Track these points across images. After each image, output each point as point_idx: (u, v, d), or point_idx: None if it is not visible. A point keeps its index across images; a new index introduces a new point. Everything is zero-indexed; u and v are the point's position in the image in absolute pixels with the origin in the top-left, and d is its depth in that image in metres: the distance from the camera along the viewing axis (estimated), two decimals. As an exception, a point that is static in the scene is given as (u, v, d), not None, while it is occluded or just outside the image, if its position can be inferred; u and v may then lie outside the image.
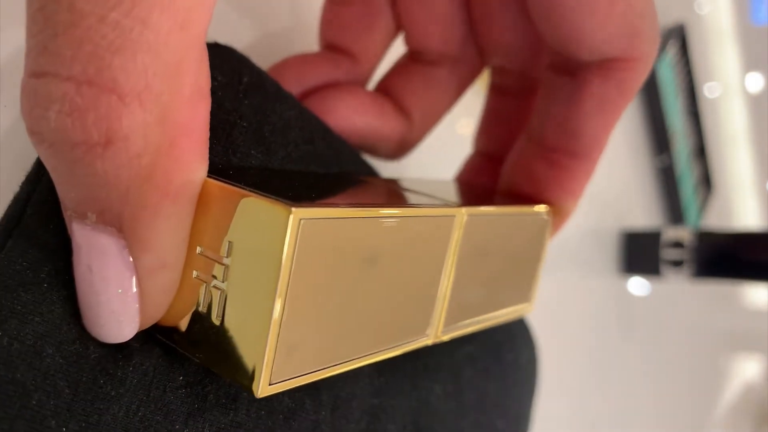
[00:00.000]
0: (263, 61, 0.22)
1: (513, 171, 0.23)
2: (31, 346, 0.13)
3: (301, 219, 0.12)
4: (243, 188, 0.13)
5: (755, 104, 0.83)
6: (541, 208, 0.22)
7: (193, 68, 0.12)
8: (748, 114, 0.82)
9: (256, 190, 0.13)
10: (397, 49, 0.24)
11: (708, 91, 0.74)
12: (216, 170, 0.14)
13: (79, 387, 0.13)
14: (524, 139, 0.23)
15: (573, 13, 0.18)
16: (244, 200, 0.13)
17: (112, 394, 0.14)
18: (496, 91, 0.25)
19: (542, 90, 0.22)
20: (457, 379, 0.22)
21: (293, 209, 0.12)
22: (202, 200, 0.13)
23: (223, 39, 0.18)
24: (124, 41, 0.11)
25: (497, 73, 0.24)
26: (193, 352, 0.14)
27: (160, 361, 0.15)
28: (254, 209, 0.13)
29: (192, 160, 0.13)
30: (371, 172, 0.22)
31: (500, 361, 0.24)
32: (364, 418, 0.19)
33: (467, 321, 0.20)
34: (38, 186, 0.15)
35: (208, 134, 0.13)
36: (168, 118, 0.12)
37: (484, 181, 0.25)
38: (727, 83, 0.78)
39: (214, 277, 0.13)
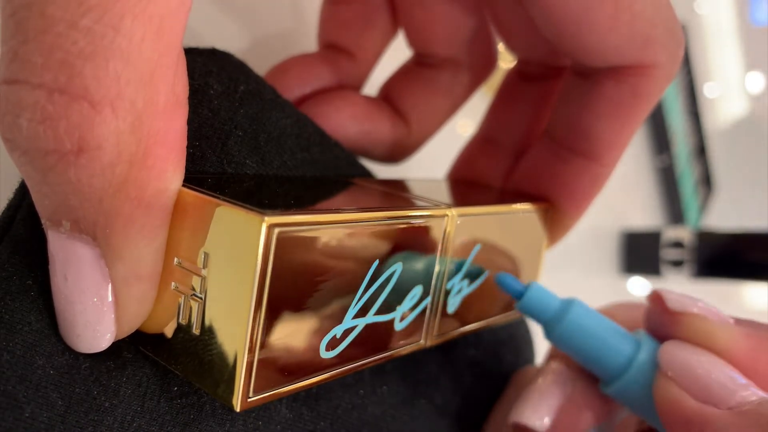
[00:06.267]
0: (263, 62, 0.22)
1: (525, 166, 0.23)
2: (21, 357, 0.13)
3: (274, 227, 0.12)
4: (217, 197, 0.13)
5: (755, 104, 0.83)
6: (537, 205, 0.21)
7: (169, 76, 0.12)
8: (748, 114, 0.82)
9: (230, 199, 0.13)
10: (403, 52, 0.24)
11: (708, 91, 0.74)
12: (193, 179, 0.14)
13: (72, 398, 0.13)
14: (542, 136, 0.23)
15: (574, 27, 0.18)
16: (218, 209, 0.13)
17: (106, 405, 0.14)
18: (518, 76, 0.24)
19: (562, 88, 0.22)
20: (458, 386, 0.22)
21: (266, 217, 0.12)
22: (178, 210, 0.13)
23: (222, 40, 0.17)
24: (95, 48, 0.11)
25: (521, 61, 0.24)
26: (173, 364, 0.14)
27: (153, 371, 0.15)
28: (228, 218, 0.13)
29: (166, 169, 0.13)
30: (366, 176, 0.22)
31: (500, 364, 0.24)
32: (365, 428, 0.18)
33: (464, 323, 0.20)
34: (29, 193, 0.14)
35: (184, 143, 0.13)
36: (142, 127, 0.12)
37: (480, 175, 0.25)
38: (727, 83, 0.78)
39: (192, 288, 0.13)
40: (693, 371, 0.17)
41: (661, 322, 0.18)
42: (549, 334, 0.19)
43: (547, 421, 0.19)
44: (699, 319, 0.17)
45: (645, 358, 0.18)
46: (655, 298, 0.18)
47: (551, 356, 0.21)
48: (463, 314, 0.19)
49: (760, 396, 0.16)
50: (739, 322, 0.18)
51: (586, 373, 0.20)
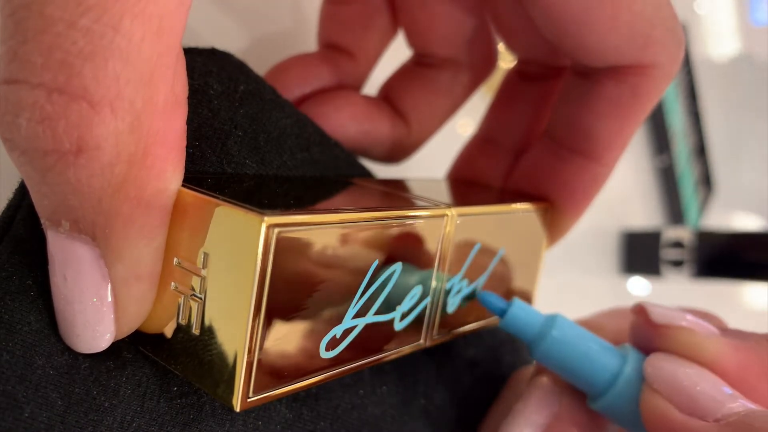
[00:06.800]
0: (263, 62, 0.22)
1: (525, 165, 0.23)
2: (20, 357, 0.13)
3: (274, 227, 0.12)
4: (217, 197, 0.13)
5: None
6: (536, 205, 0.21)
7: (168, 75, 0.12)
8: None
9: (229, 199, 0.13)
10: (403, 52, 0.24)
11: (708, 90, 0.73)
12: (193, 179, 0.14)
13: (71, 398, 0.13)
14: (542, 135, 0.23)
15: (574, 27, 0.18)
16: (217, 209, 0.13)
17: (106, 405, 0.14)
18: (518, 75, 0.24)
19: (562, 87, 0.22)
20: (458, 387, 0.22)
21: (265, 217, 0.12)
22: (177, 210, 0.13)
23: (222, 40, 0.17)
24: (94, 48, 0.11)
25: (521, 61, 0.24)
26: (173, 364, 0.14)
27: (153, 371, 0.15)
28: (228, 218, 0.13)
29: (166, 169, 0.13)
30: (366, 176, 0.22)
31: (500, 364, 0.24)
32: (365, 428, 0.18)
33: (463, 322, 0.20)
34: (29, 193, 0.14)
35: (184, 143, 0.13)
36: (141, 127, 0.12)
37: (480, 175, 0.25)
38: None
39: (192, 288, 0.13)
40: (679, 383, 0.16)
41: (647, 336, 0.18)
42: (533, 351, 0.19)
43: None
44: (685, 331, 0.17)
45: (631, 372, 0.18)
46: (639, 311, 0.18)
47: (538, 371, 0.20)
48: (462, 314, 0.19)
49: (748, 407, 0.16)
50: (725, 333, 0.17)
51: (574, 389, 0.19)
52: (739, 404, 0.16)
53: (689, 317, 0.18)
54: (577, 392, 0.19)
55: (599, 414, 0.19)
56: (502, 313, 0.19)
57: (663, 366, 0.17)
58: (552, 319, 0.18)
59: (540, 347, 0.18)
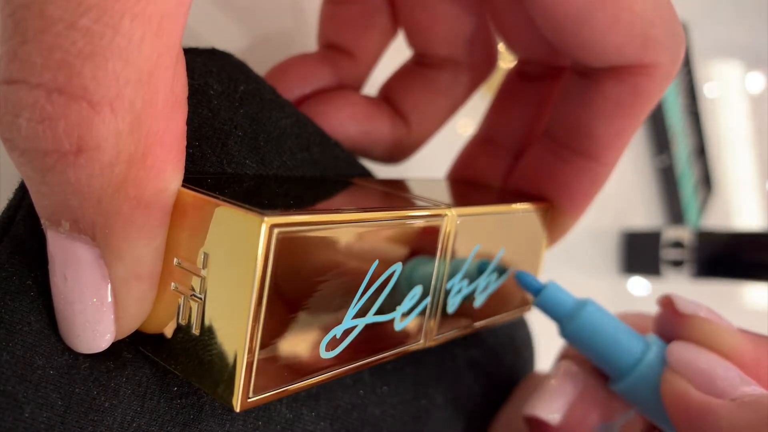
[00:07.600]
0: (263, 62, 0.22)
1: (525, 165, 0.23)
2: (21, 357, 0.13)
3: (274, 227, 0.12)
4: (217, 197, 0.13)
5: (755, 104, 0.83)
6: (537, 205, 0.21)
7: (168, 76, 0.12)
8: (748, 114, 0.81)
9: (229, 199, 0.13)
10: (403, 52, 0.24)
11: (708, 91, 0.73)
12: (193, 179, 0.14)
13: (72, 398, 0.13)
14: (542, 135, 0.23)
15: (574, 27, 0.18)
16: (217, 209, 0.13)
17: (106, 405, 0.14)
18: (518, 75, 0.24)
19: (562, 87, 0.22)
20: (458, 387, 0.22)
21: (266, 218, 0.12)
22: (177, 210, 0.13)
23: (222, 40, 0.17)
24: (94, 48, 0.11)
25: (521, 61, 0.24)
26: (173, 364, 0.14)
27: (153, 371, 0.15)
28: (228, 218, 0.13)
29: (166, 170, 0.13)
30: (366, 176, 0.22)
31: (501, 365, 0.24)
32: (365, 428, 0.18)
33: (464, 323, 0.20)
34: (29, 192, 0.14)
35: (184, 143, 0.13)
36: (141, 127, 0.12)
37: (480, 175, 0.25)
38: (727, 83, 0.78)
39: (192, 288, 0.13)
40: (698, 365, 0.17)
41: (671, 325, 0.19)
42: (563, 330, 0.20)
43: (558, 415, 0.20)
44: (706, 322, 0.18)
45: (653, 356, 0.19)
46: (666, 302, 0.19)
47: (563, 356, 0.22)
48: (462, 314, 0.19)
49: (763, 391, 0.16)
50: (743, 330, 0.19)
51: (596, 372, 0.20)
52: (754, 388, 0.17)
53: (708, 310, 0.19)
54: (599, 375, 0.20)
55: (619, 398, 0.20)
56: (537, 293, 0.20)
57: (684, 351, 0.18)
58: (584, 302, 0.20)
59: (570, 326, 0.19)
